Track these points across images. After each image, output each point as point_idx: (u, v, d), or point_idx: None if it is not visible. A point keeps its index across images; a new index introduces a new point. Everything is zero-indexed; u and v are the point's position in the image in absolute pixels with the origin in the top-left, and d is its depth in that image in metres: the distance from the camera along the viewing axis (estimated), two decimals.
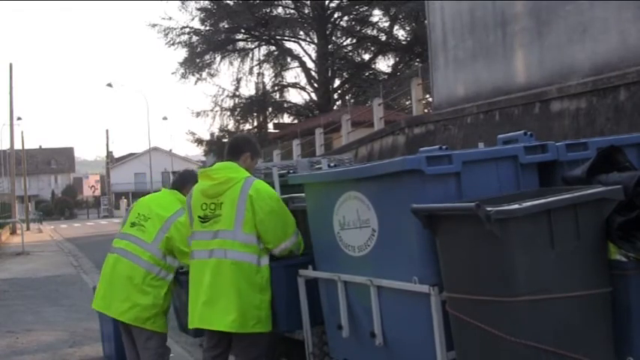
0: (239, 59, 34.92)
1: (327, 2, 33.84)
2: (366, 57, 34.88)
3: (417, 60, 29.40)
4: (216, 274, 3.96)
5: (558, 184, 3.45)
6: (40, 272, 15.13)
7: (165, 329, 4.75)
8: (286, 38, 35.01)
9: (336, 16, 34.19)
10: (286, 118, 36.97)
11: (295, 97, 73.18)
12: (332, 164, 5.96)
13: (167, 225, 4.65)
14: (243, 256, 3.95)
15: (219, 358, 4.18)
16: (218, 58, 34.66)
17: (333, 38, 34.67)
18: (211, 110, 34.70)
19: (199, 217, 4.11)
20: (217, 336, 4.11)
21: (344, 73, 35.16)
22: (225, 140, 34.09)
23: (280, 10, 34.30)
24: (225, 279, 3.93)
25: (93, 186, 78.18)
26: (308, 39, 34.92)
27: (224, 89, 35.04)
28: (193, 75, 34.51)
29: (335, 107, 33.85)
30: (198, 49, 34.16)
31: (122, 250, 4.75)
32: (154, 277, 4.62)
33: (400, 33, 33.82)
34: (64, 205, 73.92)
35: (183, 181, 4.95)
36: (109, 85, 52.04)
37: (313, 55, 34.90)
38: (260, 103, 34.43)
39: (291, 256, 4.11)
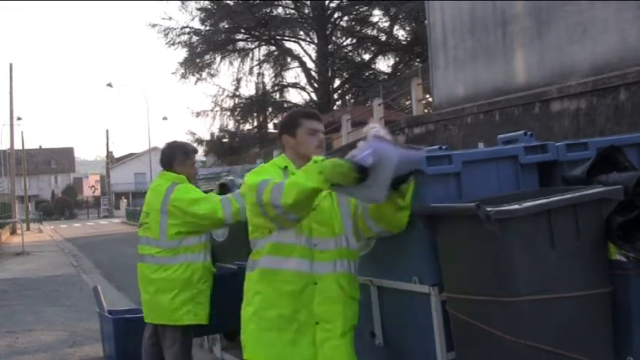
0: (239, 59, 34.94)
1: (327, 2, 33.83)
2: (366, 57, 34.88)
3: (417, 60, 29.37)
4: None
5: (558, 184, 3.45)
6: (40, 272, 15.13)
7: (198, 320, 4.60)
8: (286, 38, 35.00)
9: (336, 16, 34.18)
10: None
11: (295, 97, 72.94)
12: None
13: (164, 212, 4.51)
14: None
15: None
16: (218, 58, 34.69)
17: (333, 38, 34.66)
18: (211, 110, 34.75)
19: None
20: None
21: (344, 73, 35.14)
22: (225, 140, 34.12)
23: (280, 10, 34.31)
24: None
25: (93, 186, 78.20)
26: (308, 39, 34.94)
27: (224, 89, 35.09)
28: (193, 75, 34.55)
29: (335, 107, 33.84)
30: (198, 49, 34.17)
31: (140, 255, 4.73)
32: (169, 268, 4.51)
33: (400, 33, 33.85)
34: (64, 205, 74.01)
35: (168, 158, 4.71)
36: (109, 85, 52.25)
37: (313, 55, 34.91)
38: (260, 103, 34.42)
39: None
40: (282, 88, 35.86)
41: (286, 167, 3.23)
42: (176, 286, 4.47)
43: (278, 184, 2.95)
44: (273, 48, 35.22)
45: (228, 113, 34.64)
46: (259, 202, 2.98)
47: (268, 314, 3.07)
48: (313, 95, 35.49)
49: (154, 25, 34.67)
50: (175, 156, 4.66)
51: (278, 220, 2.99)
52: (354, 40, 34.50)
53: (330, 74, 34.49)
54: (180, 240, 4.48)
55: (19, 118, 46.07)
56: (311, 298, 3.06)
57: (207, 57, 34.50)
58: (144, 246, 4.65)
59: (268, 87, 35.51)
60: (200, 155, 43.48)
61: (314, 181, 2.81)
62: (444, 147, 3.53)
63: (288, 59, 35.11)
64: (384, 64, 47.82)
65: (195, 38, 34.32)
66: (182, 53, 37.48)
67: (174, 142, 4.92)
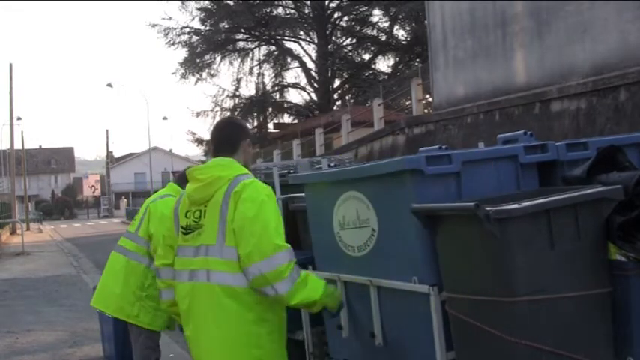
0: (239, 59, 34.97)
1: (327, 2, 33.85)
2: (366, 57, 34.92)
3: (417, 60, 29.40)
4: (199, 302, 3.20)
5: (558, 184, 3.45)
6: (40, 272, 15.15)
7: (156, 326, 4.64)
8: (286, 38, 35.02)
9: (336, 16, 34.20)
10: (286, 118, 37.02)
11: (295, 97, 73.15)
12: (332, 164, 5.96)
13: (146, 209, 4.67)
14: (231, 279, 3.13)
15: None
16: (218, 58, 34.72)
17: (333, 38, 34.68)
18: (211, 110, 34.78)
19: (182, 227, 3.33)
20: None
21: (344, 73, 35.17)
22: None
23: (280, 10, 34.34)
24: (210, 308, 3.16)
25: (93, 186, 78.34)
26: (308, 39, 34.97)
27: (224, 89, 35.13)
28: (193, 75, 34.57)
29: (335, 107, 33.86)
30: (198, 49, 34.19)
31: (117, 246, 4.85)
32: (138, 266, 4.61)
33: (400, 33, 33.89)
34: (64, 205, 74.06)
35: (184, 179, 4.87)
36: (109, 85, 52.26)
37: (313, 55, 34.94)
38: (260, 103, 34.44)
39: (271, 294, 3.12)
40: (282, 88, 35.88)
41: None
42: (130, 281, 4.60)
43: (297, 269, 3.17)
44: (273, 48, 35.25)
45: (228, 113, 34.63)
46: (279, 261, 3.07)
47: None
48: (313, 95, 35.52)
49: (154, 25, 34.73)
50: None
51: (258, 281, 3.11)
52: (354, 40, 34.52)
53: (330, 74, 34.51)
54: (147, 240, 4.60)
55: (19, 118, 46.12)
56: None
57: (207, 57, 34.53)
58: (124, 238, 4.80)
59: (268, 87, 35.53)
60: (200, 155, 43.52)
61: (320, 299, 3.26)
62: (443, 147, 3.54)
63: (288, 59, 35.15)
64: (384, 64, 47.89)
65: (195, 38, 34.35)
66: (182, 53, 37.57)
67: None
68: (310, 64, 35.06)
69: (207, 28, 34.42)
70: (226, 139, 3.42)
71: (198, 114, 35.18)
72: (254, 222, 3.09)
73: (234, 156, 3.36)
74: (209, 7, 34.22)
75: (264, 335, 3.17)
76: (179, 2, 50.32)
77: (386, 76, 32.35)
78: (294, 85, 35.84)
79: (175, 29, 34.27)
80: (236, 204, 3.14)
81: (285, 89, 36.07)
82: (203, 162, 36.06)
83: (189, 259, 3.27)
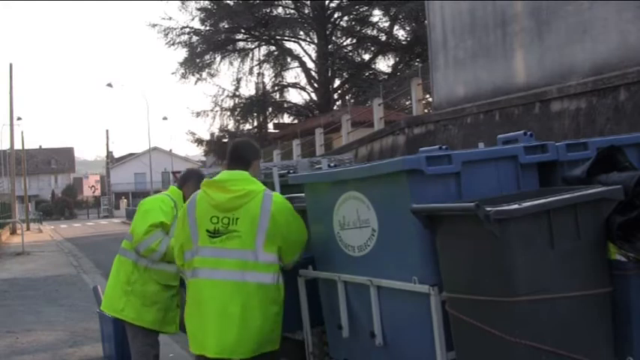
0: (239, 59, 34.96)
1: (327, 2, 33.84)
2: (366, 57, 34.91)
3: (417, 60, 29.41)
4: (235, 298, 3.64)
5: (558, 184, 3.45)
6: (40, 272, 15.15)
7: (142, 322, 4.68)
8: (286, 38, 35.02)
9: (336, 16, 34.20)
10: (286, 118, 37.05)
11: (295, 97, 73.26)
12: (332, 164, 5.97)
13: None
14: (266, 278, 3.68)
15: None
16: (218, 58, 34.72)
17: (333, 38, 34.67)
18: (211, 110, 34.79)
19: (208, 231, 3.72)
20: None
21: (344, 73, 35.16)
22: (225, 140, 34.16)
23: (280, 10, 34.33)
24: (247, 303, 3.63)
25: (93, 186, 78.33)
26: (308, 39, 34.95)
27: (224, 89, 35.12)
28: (193, 75, 34.56)
29: (335, 107, 33.85)
30: (198, 49, 34.18)
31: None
32: (126, 262, 4.73)
33: (400, 33, 33.89)
34: (64, 205, 74.02)
35: (184, 179, 5.00)
36: (109, 85, 52.17)
37: (313, 55, 34.93)
38: (260, 103, 34.44)
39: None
40: (282, 88, 35.89)
41: None
42: (119, 276, 4.74)
43: None
44: (273, 48, 35.24)
45: (228, 113, 34.68)
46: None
47: None
48: (313, 95, 35.53)
49: (154, 25, 34.72)
50: (191, 180, 4.90)
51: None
52: (354, 40, 34.51)
53: (330, 74, 34.50)
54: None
55: (19, 118, 46.21)
56: None
57: (207, 57, 34.52)
58: (125, 240, 4.92)
59: (268, 87, 35.54)
60: (200, 155, 43.54)
61: None
62: (444, 147, 3.54)
63: (288, 59, 35.13)
64: (384, 64, 47.78)
65: (195, 38, 34.34)
66: (182, 53, 37.53)
67: (198, 170, 5.50)
68: (310, 64, 35.10)
69: (207, 28, 34.43)
70: (242, 156, 3.96)
71: (198, 114, 35.22)
72: (299, 232, 3.85)
73: (247, 171, 3.86)
74: (209, 7, 34.22)
75: (279, 323, 3.79)
76: (179, 2, 50.31)
77: (386, 76, 32.33)
78: (294, 85, 35.85)
79: (175, 29, 34.30)
80: (278, 218, 3.70)
81: (285, 89, 36.09)
82: (203, 162, 36.03)
83: (218, 259, 3.70)
